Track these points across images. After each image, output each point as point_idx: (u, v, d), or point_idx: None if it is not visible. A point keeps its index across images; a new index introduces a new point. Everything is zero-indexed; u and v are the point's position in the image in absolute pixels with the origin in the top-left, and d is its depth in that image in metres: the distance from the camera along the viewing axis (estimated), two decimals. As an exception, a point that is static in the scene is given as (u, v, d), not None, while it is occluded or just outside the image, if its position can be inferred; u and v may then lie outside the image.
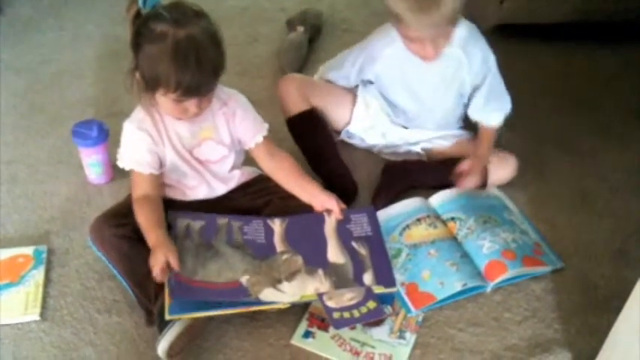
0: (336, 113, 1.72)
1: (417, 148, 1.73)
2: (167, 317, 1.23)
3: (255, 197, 1.48)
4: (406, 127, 1.73)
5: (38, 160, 1.73)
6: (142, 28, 1.26)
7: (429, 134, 1.72)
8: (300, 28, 2.14)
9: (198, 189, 1.45)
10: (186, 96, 1.26)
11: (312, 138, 1.66)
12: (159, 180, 1.40)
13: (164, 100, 1.29)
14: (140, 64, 1.27)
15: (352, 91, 1.72)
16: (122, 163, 1.39)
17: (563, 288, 1.45)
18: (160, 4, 1.29)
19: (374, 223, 1.46)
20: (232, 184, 1.48)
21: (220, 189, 1.47)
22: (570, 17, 2.11)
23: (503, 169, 1.65)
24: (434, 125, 1.71)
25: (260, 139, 1.45)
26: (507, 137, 1.84)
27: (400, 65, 1.60)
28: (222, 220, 1.40)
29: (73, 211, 1.59)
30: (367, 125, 1.73)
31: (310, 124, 1.67)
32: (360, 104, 1.71)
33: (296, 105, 1.66)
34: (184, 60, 1.22)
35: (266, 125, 1.47)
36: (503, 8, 2.08)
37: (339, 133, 1.76)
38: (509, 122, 1.88)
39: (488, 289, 1.43)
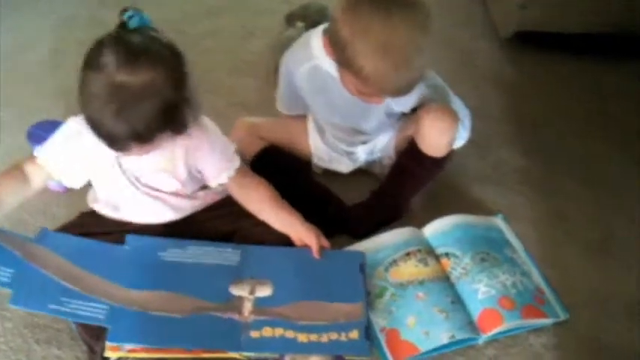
0: (297, 149, 1.55)
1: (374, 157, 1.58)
2: (107, 351, 1.10)
3: (224, 222, 1.31)
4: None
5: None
6: (99, 43, 1.06)
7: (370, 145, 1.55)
8: (300, 24, 1.94)
9: (150, 214, 1.28)
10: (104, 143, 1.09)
11: (279, 173, 1.46)
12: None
13: None
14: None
15: (305, 120, 1.55)
16: (38, 152, 1.21)
17: (568, 345, 1.28)
18: (139, 31, 1.08)
19: (360, 271, 1.31)
20: (197, 204, 1.32)
21: (178, 214, 1.30)
22: (600, 29, 1.93)
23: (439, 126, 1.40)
24: (367, 136, 1.52)
25: (224, 179, 1.27)
26: (519, 164, 1.66)
27: (321, 82, 1.39)
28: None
29: (26, 221, 1.43)
30: (329, 154, 1.56)
31: (272, 160, 1.50)
32: (312, 132, 1.54)
33: (251, 148, 1.50)
34: (101, 108, 1.03)
35: (235, 164, 1.28)
36: (524, 14, 1.91)
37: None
38: (522, 146, 1.70)
39: (481, 342, 1.27)
